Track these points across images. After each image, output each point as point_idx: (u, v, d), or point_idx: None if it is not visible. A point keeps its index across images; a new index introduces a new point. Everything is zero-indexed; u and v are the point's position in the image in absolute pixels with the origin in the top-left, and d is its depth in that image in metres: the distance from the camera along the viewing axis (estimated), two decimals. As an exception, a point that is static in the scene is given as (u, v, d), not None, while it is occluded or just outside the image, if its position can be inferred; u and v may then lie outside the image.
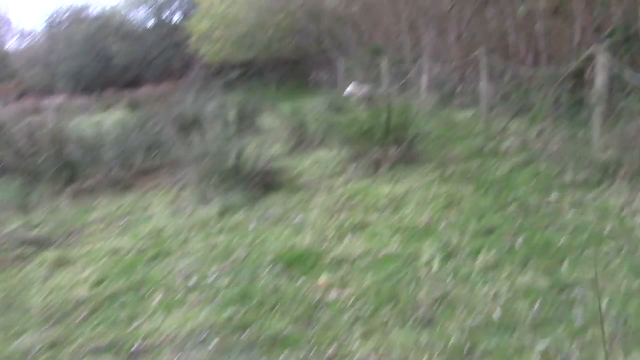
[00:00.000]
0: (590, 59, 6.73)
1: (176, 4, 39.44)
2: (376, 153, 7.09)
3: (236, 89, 21.79)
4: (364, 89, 14.38)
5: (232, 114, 13.28)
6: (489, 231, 4.46)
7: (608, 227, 4.24)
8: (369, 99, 14.68)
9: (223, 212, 5.88)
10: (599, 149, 5.71)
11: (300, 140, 9.34)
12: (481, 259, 3.91)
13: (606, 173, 5.20)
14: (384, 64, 15.11)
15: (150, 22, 40.50)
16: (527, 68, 8.60)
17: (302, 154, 8.87)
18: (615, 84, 6.02)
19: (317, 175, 7.27)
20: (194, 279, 4.28)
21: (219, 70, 30.90)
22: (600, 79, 5.81)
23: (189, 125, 12.38)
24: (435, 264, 3.92)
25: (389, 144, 7.16)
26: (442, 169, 6.74)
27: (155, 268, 4.65)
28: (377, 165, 7.04)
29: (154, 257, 4.94)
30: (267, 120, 13.30)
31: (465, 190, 5.75)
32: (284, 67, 27.71)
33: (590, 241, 4.04)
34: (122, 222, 6.27)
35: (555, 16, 8.56)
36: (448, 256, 4.05)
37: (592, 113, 6.28)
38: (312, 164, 8.08)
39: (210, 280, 4.24)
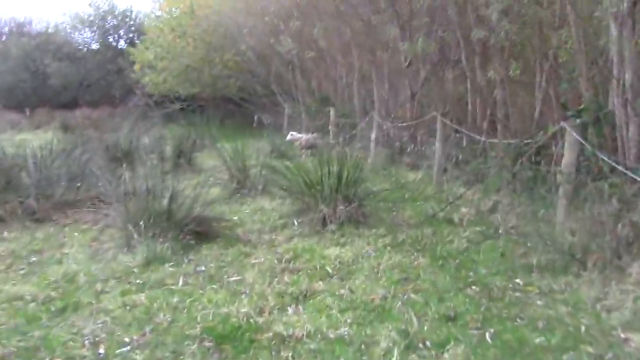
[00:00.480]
0: (555, 134, 6.47)
1: (124, 29, 38.64)
2: (323, 209, 6.53)
3: (177, 122, 21.03)
4: (310, 137, 13.92)
5: (169, 149, 12.57)
6: (452, 318, 3.92)
7: (583, 326, 3.78)
8: (314, 148, 14.24)
9: (148, 263, 5.16)
10: (564, 230, 5.33)
11: (241, 185, 8.72)
12: (449, 354, 3.36)
13: (574, 259, 4.79)
14: (332, 113, 14.74)
15: (95, 45, 39.52)
16: (484, 135, 8.28)
17: (243, 201, 8.26)
18: (582, 164, 5.72)
19: (258, 227, 6.65)
20: (102, 348, 3.55)
21: (161, 101, 30.16)
22: (568, 157, 5.49)
23: (121, 157, 11.59)
24: (395, 356, 3.34)
25: (337, 200, 6.62)
26: (394, 234, 6.24)
27: (59, 327, 3.89)
28: (324, 222, 6.48)
29: (61, 311, 4.18)
30: (207, 159, 12.63)
31: (421, 262, 5.24)
32: (229, 105, 27.13)
33: (566, 342, 3.56)
34: (29, 262, 5.46)
35: (517, 85, 8.37)
36: (409, 347, 3.47)
37: (553, 191, 5.95)
38: (252, 212, 7.47)
39: (122, 351, 3.52)
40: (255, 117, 25.42)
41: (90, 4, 35.88)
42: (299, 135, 13.87)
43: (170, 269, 5.04)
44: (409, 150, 10.35)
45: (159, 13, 22.56)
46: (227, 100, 26.48)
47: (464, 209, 7.03)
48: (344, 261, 5.29)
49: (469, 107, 9.19)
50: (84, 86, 36.48)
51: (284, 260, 5.36)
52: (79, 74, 35.94)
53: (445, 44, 10.05)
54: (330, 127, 14.85)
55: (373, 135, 11.50)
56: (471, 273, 4.88)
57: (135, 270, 5.05)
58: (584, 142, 5.29)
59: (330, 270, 5.02)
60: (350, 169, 6.99)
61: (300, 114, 17.41)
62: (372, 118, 11.93)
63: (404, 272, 4.97)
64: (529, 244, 5.49)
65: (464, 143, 8.83)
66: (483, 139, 7.94)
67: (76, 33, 39.04)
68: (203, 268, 5.12)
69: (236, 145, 16.90)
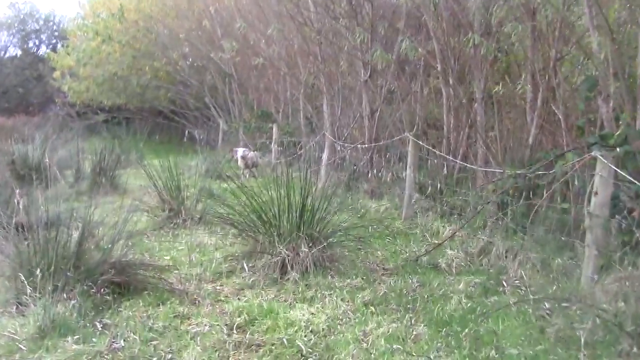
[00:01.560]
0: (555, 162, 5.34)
1: (46, 34, 36.20)
2: (282, 251, 5.15)
3: (101, 135, 19.05)
4: (249, 155, 12.49)
5: (87, 165, 10.86)
6: None
7: None
8: (254, 167, 12.83)
9: (43, 334, 3.64)
10: (596, 290, 4.15)
11: (175, 213, 7.22)
12: None
13: (622, 331, 3.59)
14: (275, 130, 13.38)
15: (13, 50, 36.94)
16: (461, 160, 7.13)
17: (177, 234, 6.78)
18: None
19: (198, 273, 5.19)
20: None
21: (83, 112, 28.06)
22: (602, 196, 4.32)
23: (27, 174, 9.86)
24: None
25: (299, 239, 5.27)
26: (371, 285, 4.93)
27: None
28: (283, 268, 5.10)
29: None
30: (133, 178, 10.98)
31: (420, 332, 3.93)
32: (158, 118, 25.35)
33: None
34: None
35: (502, 103, 7.28)
36: None
37: (572, 237, 4.81)
38: (189, 250, 5.99)
39: None
40: (187, 132, 23.76)
41: (8, 6, 33.32)
42: (239, 154, 12.43)
43: (75, 345, 3.52)
44: (369, 175, 9.08)
45: (83, 16, 20.56)
46: (156, 112, 24.72)
47: (449, 251, 5.77)
48: (318, 329, 3.92)
49: (445, 127, 8.01)
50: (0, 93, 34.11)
51: (235, 326, 3.95)
52: (-6, 79, 33.66)
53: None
54: (272, 146, 13.47)
55: (324, 157, 10.19)
56: (496, 355, 3.58)
57: (22, 345, 3.52)
58: (632, 178, 4.12)
59: (302, 347, 3.63)
60: (316, 198, 5.66)
61: (237, 130, 15.94)
62: (322, 137, 10.63)
63: (401, 348, 3.64)
64: (546, 305, 4.27)
65: (442, 169, 7.63)
66: (465, 164, 6.76)
67: (-8, 37, 36.53)
68: (122, 343, 3.62)
69: (166, 162, 15.44)
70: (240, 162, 12.49)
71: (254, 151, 13.21)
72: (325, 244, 5.35)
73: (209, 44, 17.39)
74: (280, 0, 10.01)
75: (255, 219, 5.56)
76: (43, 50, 35.01)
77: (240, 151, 12.39)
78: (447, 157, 7.27)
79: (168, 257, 5.74)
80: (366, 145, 9.23)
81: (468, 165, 6.84)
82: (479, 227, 6.38)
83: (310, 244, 5.25)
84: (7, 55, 36.75)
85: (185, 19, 17.55)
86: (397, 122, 9.41)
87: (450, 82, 7.77)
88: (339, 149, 10.03)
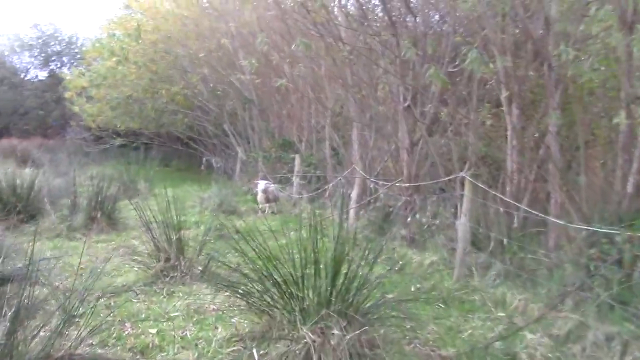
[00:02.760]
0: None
1: (68, 56, 35.48)
2: (307, 335, 3.74)
3: (115, 160, 17.88)
4: (270, 189, 11.16)
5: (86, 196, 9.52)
6: None
7: None
8: (274, 202, 11.48)
9: None
10: None
11: (172, 264, 5.84)
12: None
13: None
14: (297, 162, 12.05)
15: (34, 71, 36.42)
16: (529, 208, 5.69)
17: (172, 290, 5.41)
18: None
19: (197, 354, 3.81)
20: None
21: (99, 136, 27.13)
22: None
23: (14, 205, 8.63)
24: None
25: (329, 318, 3.85)
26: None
27: None
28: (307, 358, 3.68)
29: None
30: (134, 211, 9.66)
31: None
32: (176, 144, 24.25)
33: None
34: None
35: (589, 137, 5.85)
36: None
37: None
38: (186, 317, 4.64)
39: None
40: (204, 160, 22.57)
41: (32, 27, 32.77)
42: (272, 187, 11.14)
43: None
44: (407, 219, 7.64)
45: (100, 36, 19.58)
46: (174, 138, 23.63)
47: (529, 335, 4.31)
48: None
49: (508, 165, 6.54)
50: (19, 114, 33.51)
51: None
52: (14, 100, 33.04)
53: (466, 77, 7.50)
54: (294, 178, 12.13)
55: (353, 194, 8.79)
56: None
57: None
58: None
59: None
60: (351, 259, 4.29)
61: (256, 159, 14.63)
62: (352, 171, 9.26)
63: None
64: None
65: (506, 219, 6.17)
66: (538, 215, 5.31)
67: (15, 57, 36.08)
68: None
69: (177, 191, 14.13)
70: (260, 197, 11.16)
71: (274, 184, 11.88)
72: (364, 323, 3.91)
73: (229, 67, 16.24)
74: (306, 15, 8.69)
75: (270, 286, 4.16)
76: (65, 72, 34.39)
77: (261, 184, 11.06)
78: (517, 205, 5.82)
79: (154, 331, 4.36)
80: (405, 184, 7.81)
81: (542, 216, 5.37)
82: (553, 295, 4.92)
83: (345, 324, 3.83)
84: (29, 77, 36.31)
85: (205, 39, 16.39)
86: (442, 157, 8.00)
87: (515, 110, 6.35)
88: (371, 186, 8.62)
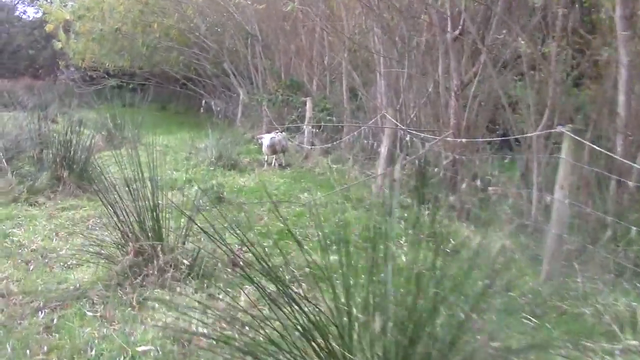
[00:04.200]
0: None
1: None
2: None
3: (109, 104, 16.01)
4: (277, 140, 9.42)
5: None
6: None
7: None
8: (283, 153, 9.77)
9: None
10: None
11: (145, 258, 4.12)
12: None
13: None
14: (309, 106, 10.24)
15: (22, 6, 34.19)
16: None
17: (143, 299, 3.75)
18: None
19: None
20: None
21: (91, 76, 25.32)
22: None
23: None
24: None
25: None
26: None
27: None
28: None
29: None
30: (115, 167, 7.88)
31: None
32: (174, 85, 22.37)
33: None
34: None
35: None
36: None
37: None
38: (164, 353, 3.00)
39: None
40: (203, 103, 20.71)
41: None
42: (279, 137, 9.43)
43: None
44: (457, 185, 5.91)
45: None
46: (171, 79, 21.73)
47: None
48: None
49: (622, 114, 4.68)
50: (8, 53, 31.64)
51: None
52: (1, 38, 31.17)
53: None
54: (305, 126, 10.35)
55: (383, 148, 7.04)
56: None
57: None
58: None
59: None
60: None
61: (260, 103, 12.77)
62: (380, 119, 7.49)
63: None
64: None
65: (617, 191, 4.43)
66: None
67: (0, -6, 33.87)
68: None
69: (173, 139, 12.36)
70: (266, 150, 9.44)
71: (282, 132, 10.12)
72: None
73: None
74: None
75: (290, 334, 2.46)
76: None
77: (267, 138, 9.32)
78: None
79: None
80: (458, 138, 6.02)
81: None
82: None
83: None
84: (17, 13, 34.14)
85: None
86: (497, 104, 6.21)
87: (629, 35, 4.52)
88: (407, 138, 6.85)
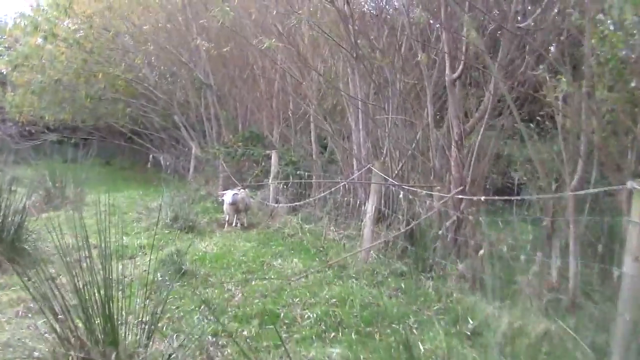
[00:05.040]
0: None
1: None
2: None
3: (49, 160, 14.62)
4: (240, 198, 8.43)
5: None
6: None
7: None
8: (245, 212, 8.79)
9: None
10: None
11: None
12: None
13: None
14: (274, 159, 9.30)
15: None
16: None
17: None
18: None
19: None
20: None
21: (30, 131, 23.89)
22: None
23: None
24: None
25: None
26: None
27: None
28: None
29: None
30: (63, 229, 6.67)
31: None
32: (119, 139, 21.18)
33: None
34: None
35: None
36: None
37: None
38: None
39: None
40: (151, 157, 19.53)
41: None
42: (242, 194, 8.48)
43: None
44: (460, 247, 5.01)
45: (25, 10, 16.17)
46: (116, 133, 20.53)
47: None
48: None
49: None
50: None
51: None
52: None
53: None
54: (270, 181, 9.38)
55: (370, 207, 6.11)
56: None
57: None
58: None
59: None
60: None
61: (217, 157, 11.74)
62: (362, 174, 6.62)
63: None
64: None
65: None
66: None
67: None
68: None
69: (116, 201, 11.15)
70: (228, 209, 8.44)
71: (243, 188, 9.13)
72: None
73: (180, 45, 13.35)
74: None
75: None
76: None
77: (228, 196, 8.33)
78: None
79: None
80: (452, 191, 5.13)
81: None
82: None
83: None
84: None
85: (151, 11, 13.46)
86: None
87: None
88: (400, 195, 5.92)
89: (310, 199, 8.13)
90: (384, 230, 6.50)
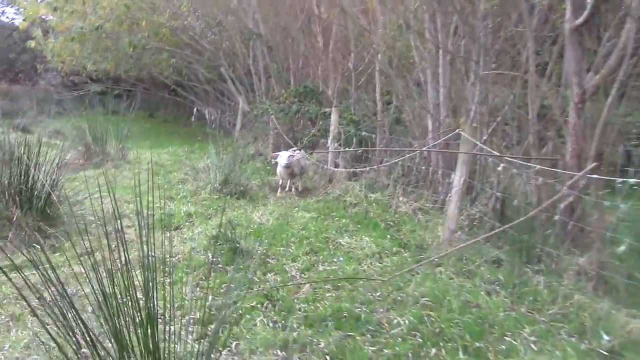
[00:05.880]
0: None
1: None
2: None
3: (92, 111, 13.89)
4: (295, 161, 7.53)
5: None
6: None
7: None
8: (300, 175, 7.93)
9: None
10: None
11: None
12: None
13: None
14: (334, 118, 8.31)
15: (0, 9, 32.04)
16: None
17: None
18: None
19: None
20: None
21: (73, 81, 23.61)
22: None
23: None
24: None
25: None
26: None
27: None
28: None
29: None
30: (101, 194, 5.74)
31: None
32: (163, 91, 20.54)
33: None
34: None
35: None
36: None
37: None
38: None
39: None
40: (195, 111, 18.77)
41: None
42: (297, 156, 7.62)
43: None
44: (586, 236, 4.04)
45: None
46: (160, 85, 19.88)
47: None
48: None
49: None
50: (-14, 59, 29.62)
51: None
52: (-23, 41, 29.17)
53: None
54: (329, 141, 8.43)
55: (457, 180, 5.14)
56: None
57: None
58: None
59: None
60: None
61: (267, 113, 10.80)
62: (455, 136, 5.63)
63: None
64: None
65: None
66: None
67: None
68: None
69: (160, 158, 10.38)
70: (282, 172, 7.57)
71: (299, 149, 8.23)
72: None
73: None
74: None
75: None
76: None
77: (283, 157, 7.41)
78: None
79: None
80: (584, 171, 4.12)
81: None
82: None
83: None
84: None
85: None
86: None
87: None
88: (499, 168, 4.92)
89: (380, 166, 7.15)
90: (467, 206, 5.55)
